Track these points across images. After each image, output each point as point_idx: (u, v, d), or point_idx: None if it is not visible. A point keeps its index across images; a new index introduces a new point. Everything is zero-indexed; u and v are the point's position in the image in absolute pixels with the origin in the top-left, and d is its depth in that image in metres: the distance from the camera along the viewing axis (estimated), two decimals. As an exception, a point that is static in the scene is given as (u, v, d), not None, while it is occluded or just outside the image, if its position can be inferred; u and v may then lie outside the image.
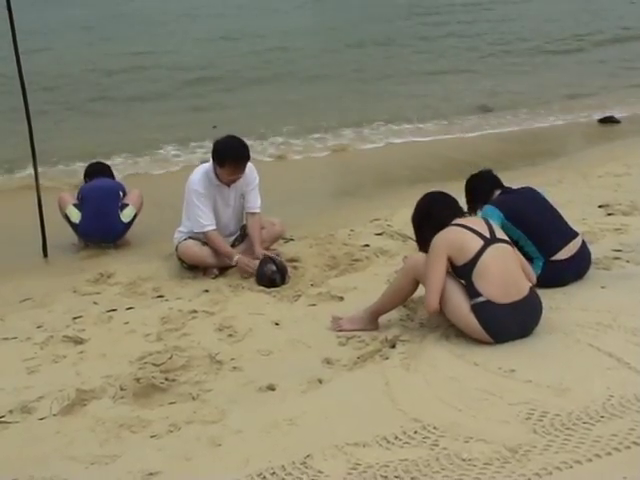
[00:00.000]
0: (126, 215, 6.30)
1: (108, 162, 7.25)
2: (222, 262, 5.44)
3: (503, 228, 4.28)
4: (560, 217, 4.72)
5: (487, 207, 4.68)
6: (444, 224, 4.06)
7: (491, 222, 4.13)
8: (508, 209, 4.59)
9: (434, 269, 3.94)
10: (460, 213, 4.21)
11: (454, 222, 4.07)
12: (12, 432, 3.40)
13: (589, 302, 4.28)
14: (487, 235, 3.97)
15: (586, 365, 3.57)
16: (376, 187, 8.11)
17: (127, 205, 6.34)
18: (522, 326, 3.89)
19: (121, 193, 6.38)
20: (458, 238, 3.97)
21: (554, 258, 4.55)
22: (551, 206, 4.75)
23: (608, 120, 10.44)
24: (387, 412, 3.26)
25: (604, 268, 4.77)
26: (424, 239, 4.17)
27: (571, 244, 4.61)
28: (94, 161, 6.96)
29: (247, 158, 5.34)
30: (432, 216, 4.18)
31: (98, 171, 6.57)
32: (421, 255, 4.14)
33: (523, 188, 4.87)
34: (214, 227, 5.40)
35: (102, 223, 6.18)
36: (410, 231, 5.83)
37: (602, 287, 4.55)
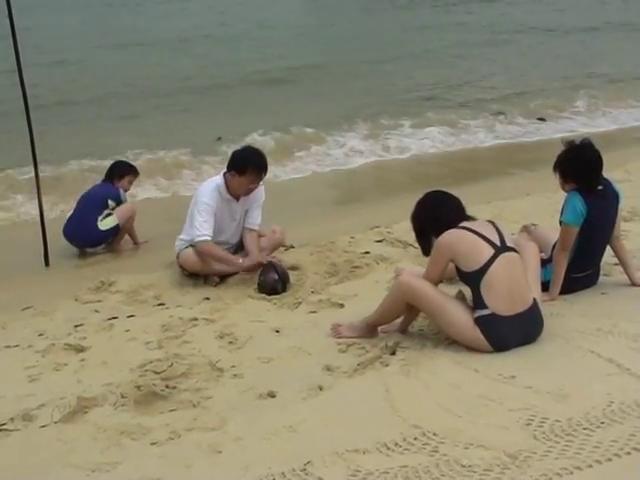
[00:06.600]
0: (105, 224, 6.45)
1: None
2: (223, 270, 5.45)
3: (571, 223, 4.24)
4: (607, 239, 4.57)
5: (575, 195, 4.35)
6: (450, 227, 3.94)
7: (499, 227, 3.97)
8: (591, 214, 4.35)
9: (434, 270, 3.95)
10: (467, 216, 4.06)
11: (462, 225, 3.94)
12: (13, 440, 3.40)
13: (589, 308, 4.29)
14: (497, 243, 3.85)
15: (586, 371, 3.58)
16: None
17: (110, 215, 6.47)
18: (525, 337, 3.88)
19: (110, 202, 6.51)
20: (466, 244, 3.85)
21: (575, 275, 4.48)
22: (613, 224, 4.54)
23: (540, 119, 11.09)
24: (387, 418, 3.27)
25: (605, 274, 4.76)
26: (429, 244, 4.04)
27: (593, 269, 4.61)
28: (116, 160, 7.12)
29: (267, 167, 5.44)
30: (439, 220, 4.00)
31: (105, 175, 6.75)
32: (413, 279, 3.99)
33: (610, 191, 4.49)
34: (209, 238, 5.30)
35: (78, 229, 6.42)
36: (411, 238, 5.90)
37: (602, 293, 4.56)
